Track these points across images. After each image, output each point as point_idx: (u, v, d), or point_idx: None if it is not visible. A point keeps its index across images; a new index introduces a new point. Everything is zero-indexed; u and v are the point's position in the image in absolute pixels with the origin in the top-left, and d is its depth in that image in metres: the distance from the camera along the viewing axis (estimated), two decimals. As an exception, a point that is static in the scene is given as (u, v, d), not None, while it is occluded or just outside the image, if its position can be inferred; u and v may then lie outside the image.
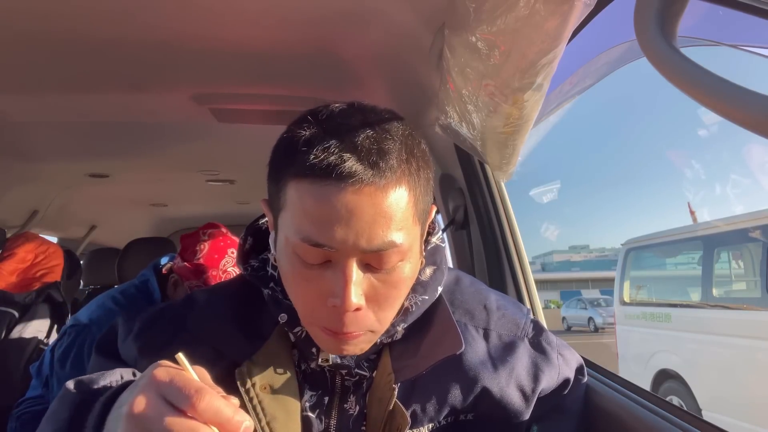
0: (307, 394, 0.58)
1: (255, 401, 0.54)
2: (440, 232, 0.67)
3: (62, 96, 1.39)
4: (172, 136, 1.80)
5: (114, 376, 0.53)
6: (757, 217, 4.12)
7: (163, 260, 1.42)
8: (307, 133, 0.50)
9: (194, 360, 0.42)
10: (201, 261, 1.25)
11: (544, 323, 1.13)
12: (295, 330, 0.58)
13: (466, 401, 0.60)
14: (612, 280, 6.20)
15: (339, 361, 0.57)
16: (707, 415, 3.93)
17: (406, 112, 1.41)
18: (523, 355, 0.63)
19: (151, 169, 2.20)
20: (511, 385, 0.61)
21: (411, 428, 0.57)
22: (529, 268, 1.18)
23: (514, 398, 0.61)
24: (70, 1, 0.92)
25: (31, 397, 1.32)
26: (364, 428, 0.57)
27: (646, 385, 4.61)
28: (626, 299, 5.43)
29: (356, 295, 0.50)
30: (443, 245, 0.65)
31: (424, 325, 0.60)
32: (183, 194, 2.63)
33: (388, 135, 0.51)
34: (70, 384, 0.52)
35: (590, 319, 14.06)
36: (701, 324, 4.33)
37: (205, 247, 1.27)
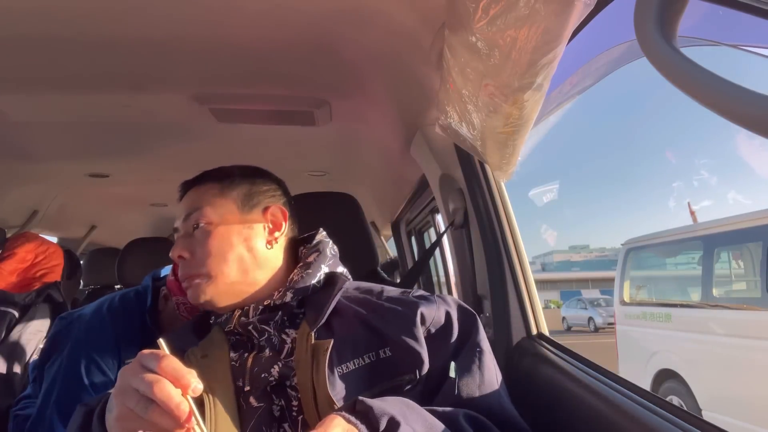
0: (233, 353, 0.77)
1: (193, 363, 0.73)
2: (322, 232, 0.87)
3: (62, 96, 1.39)
4: (172, 136, 1.80)
5: None
6: (757, 217, 4.12)
7: (165, 271, 1.41)
8: None
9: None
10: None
11: (544, 324, 1.14)
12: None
13: (376, 339, 0.73)
14: (612, 280, 6.20)
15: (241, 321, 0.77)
16: (707, 415, 3.93)
17: (406, 112, 1.42)
18: (407, 300, 0.78)
19: (151, 169, 2.21)
20: (399, 317, 0.74)
21: (338, 364, 0.70)
22: (529, 268, 1.18)
23: (407, 328, 0.73)
24: (70, 1, 0.92)
25: (26, 395, 1.32)
26: (277, 366, 0.73)
27: (646, 385, 4.61)
28: (626, 299, 5.43)
29: (178, 249, 0.79)
30: (327, 240, 0.86)
31: (325, 295, 0.77)
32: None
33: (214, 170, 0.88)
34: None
35: (590, 319, 14.06)
36: (701, 324, 4.33)
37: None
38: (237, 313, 0.78)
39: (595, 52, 0.96)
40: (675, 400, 4.31)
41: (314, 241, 0.85)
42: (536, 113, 0.75)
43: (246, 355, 0.76)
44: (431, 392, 0.72)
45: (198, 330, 0.84)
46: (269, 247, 0.82)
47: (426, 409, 0.63)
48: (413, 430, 0.57)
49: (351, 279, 0.86)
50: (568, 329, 14.73)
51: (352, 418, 0.56)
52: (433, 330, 0.75)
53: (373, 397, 0.63)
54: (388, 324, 0.74)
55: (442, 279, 2.51)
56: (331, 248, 0.85)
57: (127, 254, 1.93)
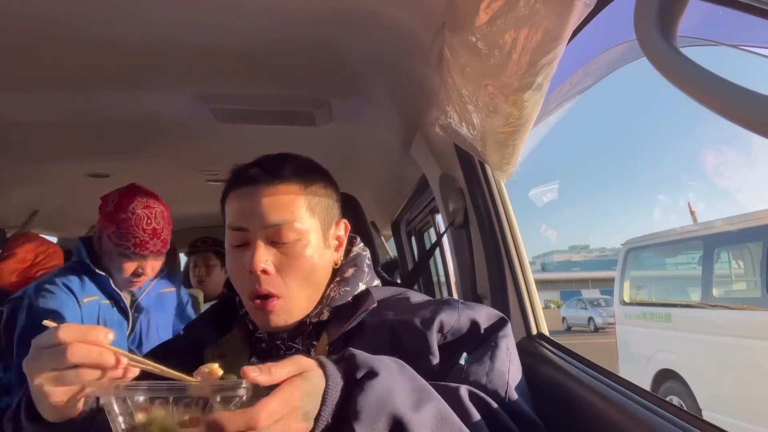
0: (255, 358, 0.75)
1: (208, 357, 0.73)
2: (360, 244, 0.85)
3: (62, 96, 1.39)
4: (172, 136, 1.80)
5: None
6: (757, 217, 4.12)
7: None
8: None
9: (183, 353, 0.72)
10: (112, 209, 1.38)
11: (544, 324, 1.14)
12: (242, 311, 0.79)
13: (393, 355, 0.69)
14: (612, 280, 6.20)
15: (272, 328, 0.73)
16: (707, 415, 3.93)
17: (406, 112, 1.42)
18: (427, 308, 0.74)
19: (151, 169, 2.20)
20: (415, 328, 0.70)
21: None
22: (529, 268, 1.17)
23: (423, 338, 0.69)
24: (70, 1, 0.92)
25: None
26: None
27: (646, 385, 4.61)
28: (626, 299, 5.43)
29: (262, 261, 0.69)
30: (364, 253, 0.83)
31: (351, 310, 0.74)
32: (183, 194, 2.63)
33: (289, 156, 0.78)
34: None
35: (590, 319, 14.06)
36: (701, 324, 4.33)
37: (116, 197, 1.41)
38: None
39: (595, 52, 0.96)
40: (675, 400, 4.31)
41: (352, 254, 0.82)
42: (536, 113, 0.75)
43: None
44: None
45: (216, 320, 0.81)
46: (335, 266, 0.79)
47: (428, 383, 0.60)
48: (392, 385, 0.54)
49: (380, 284, 0.83)
50: (568, 329, 14.73)
51: (323, 359, 0.54)
52: (450, 337, 0.71)
53: None
54: (403, 336, 0.70)
55: (442, 279, 2.51)
56: (368, 261, 0.82)
57: (127, 254, 1.93)
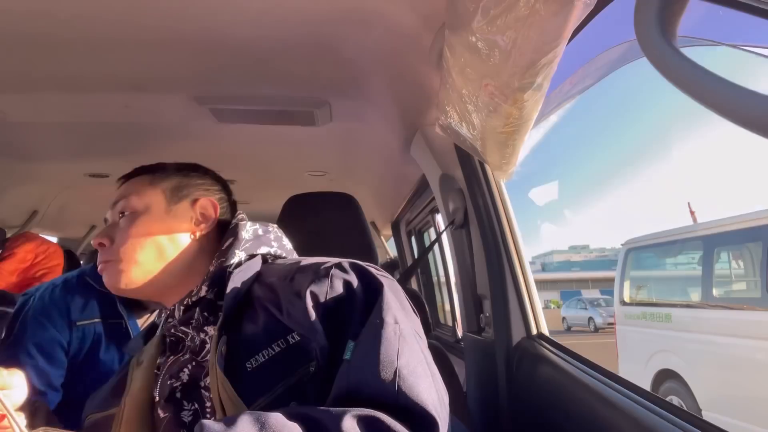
0: (161, 358, 0.76)
1: (130, 371, 0.76)
2: (242, 216, 0.84)
3: (62, 96, 1.39)
4: (172, 136, 1.80)
5: None
6: (757, 217, 4.12)
7: None
8: None
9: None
10: None
11: (544, 324, 1.14)
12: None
13: (281, 325, 0.65)
14: (612, 280, 6.20)
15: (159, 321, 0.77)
16: (707, 416, 3.93)
17: (406, 112, 1.42)
18: (296, 277, 0.69)
19: (151, 169, 2.20)
20: (292, 298, 0.66)
21: (247, 358, 0.64)
22: (529, 268, 1.18)
23: (300, 308, 0.64)
24: (70, 1, 0.92)
25: None
26: (190, 366, 0.71)
27: (646, 385, 4.61)
28: (626, 299, 5.42)
29: (98, 236, 0.78)
30: (244, 223, 0.81)
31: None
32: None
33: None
34: None
35: (590, 319, 14.06)
36: (701, 324, 4.33)
37: None
38: (165, 314, 0.77)
39: (595, 52, 0.97)
40: (675, 400, 4.31)
41: (230, 227, 0.82)
42: (536, 113, 0.75)
43: (169, 359, 0.74)
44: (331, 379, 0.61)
45: (148, 334, 0.84)
46: (193, 236, 0.79)
47: (307, 409, 0.54)
48: None
49: (285, 257, 0.80)
50: (568, 329, 14.72)
51: None
52: (332, 304, 0.64)
53: (281, 393, 0.60)
54: (284, 308, 0.66)
55: (442, 279, 2.51)
56: (251, 229, 0.80)
57: (127, 254, 1.93)
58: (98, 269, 0.78)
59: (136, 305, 1.31)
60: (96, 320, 1.27)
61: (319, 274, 0.66)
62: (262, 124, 1.62)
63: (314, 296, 0.64)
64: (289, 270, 0.70)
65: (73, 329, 1.25)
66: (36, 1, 0.91)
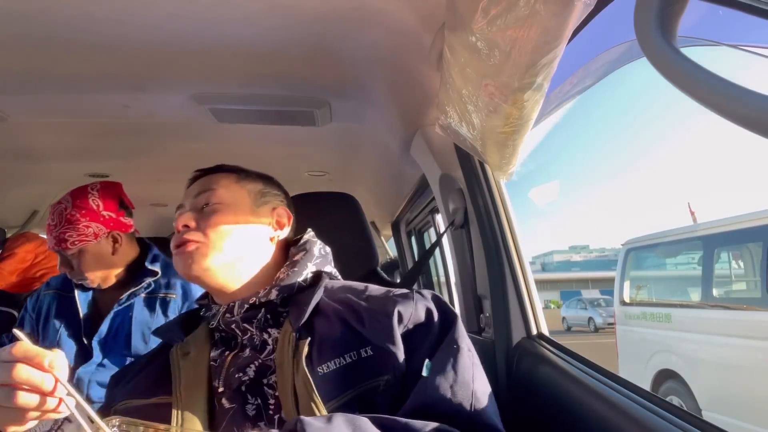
0: (214, 351, 0.78)
1: (174, 361, 0.76)
2: (311, 233, 0.89)
3: (62, 96, 1.39)
4: (172, 136, 1.80)
5: None
6: (758, 217, 4.12)
7: None
8: None
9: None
10: None
11: (544, 324, 1.14)
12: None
13: (357, 338, 0.72)
14: (612, 280, 6.20)
15: (228, 318, 0.77)
16: (707, 416, 3.92)
17: (406, 112, 1.42)
18: (385, 299, 0.76)
19: (151, 169, 2.20)
20: (377, 318, 0.72)
21: (319, 363, 0.69)
22: (529, 268, 1.17)
23: (384, 328, 0.71)
24: (70, 1, 0.92)
25: None
26: (253, 368, 0.73)
27: (646, 385, 4.61)
28: (626, 299, 5.42)
29: (184, 218, 0.79)
30: (315, 240, 0.87)
31: (309, 294, 0.76)
32: (183, 194, 2.64)
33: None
34: None
35: (590, 319, 14.05)
36: (701, 324, 4.32)
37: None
38: (222, 309, 0.78)
39: (595, 52, 0.96)
40: (675, 400, 4.31)
41: (302, 241, 0.87)
42: (536, 113, 0.75)
43: (226, 354, 0.76)
44: (407, 394, 0.68)
45: (187, 324, 0.85)
46: (270, 241, 0.83)
47: (390, 420, 0.60)
48: None
49: (339, 278, 0.86)
50: (568, 329, 14.71)
51: None
52: (411, 326, 0.72)
53: (349, 400, 0.65)
54: (367, 324, 0.72)
55: (442, 279, 2.51)
56: (319, 248, 0.86)
57: (127, 254, 1.92)
58: (176, 251, 0.78)
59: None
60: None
61: (407, 297, 0.75)
62: (262, 124, 1.62)
63: (400, 316, 0.71)
64: (371, 290, 0.79)
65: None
66: (36, 1, 0.91)
